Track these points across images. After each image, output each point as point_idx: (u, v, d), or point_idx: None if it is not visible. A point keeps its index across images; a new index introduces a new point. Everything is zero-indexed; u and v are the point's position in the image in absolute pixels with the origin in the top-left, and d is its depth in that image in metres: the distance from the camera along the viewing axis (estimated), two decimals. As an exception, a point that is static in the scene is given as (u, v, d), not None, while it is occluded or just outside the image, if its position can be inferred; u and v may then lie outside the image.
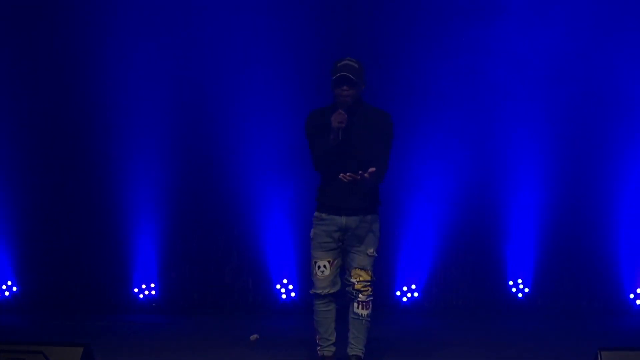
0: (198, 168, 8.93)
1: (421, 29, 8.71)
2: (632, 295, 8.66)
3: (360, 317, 6.09)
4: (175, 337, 7.70)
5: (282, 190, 8.80)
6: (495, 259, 8.82)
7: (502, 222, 8.77)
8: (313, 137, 6.03)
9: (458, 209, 8.77)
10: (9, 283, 9.00)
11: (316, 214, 6.12)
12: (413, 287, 8.81)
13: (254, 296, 8.99)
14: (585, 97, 8.66)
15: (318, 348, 6.23)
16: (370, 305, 6.10)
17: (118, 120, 8.89)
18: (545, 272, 8.79)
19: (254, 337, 7.37)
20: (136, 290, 8.96)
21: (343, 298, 6.20)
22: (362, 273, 6.06)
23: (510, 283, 8.79)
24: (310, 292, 6.20)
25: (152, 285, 8.97)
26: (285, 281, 8.87)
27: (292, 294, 8.85)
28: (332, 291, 6.13)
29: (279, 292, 8.88)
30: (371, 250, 6.06)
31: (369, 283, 6.08)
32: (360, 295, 6.07)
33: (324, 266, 6.08)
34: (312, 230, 6.14)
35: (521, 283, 8.78)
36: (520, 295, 8.78)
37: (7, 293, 8.99)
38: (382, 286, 8.44)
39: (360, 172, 5.76)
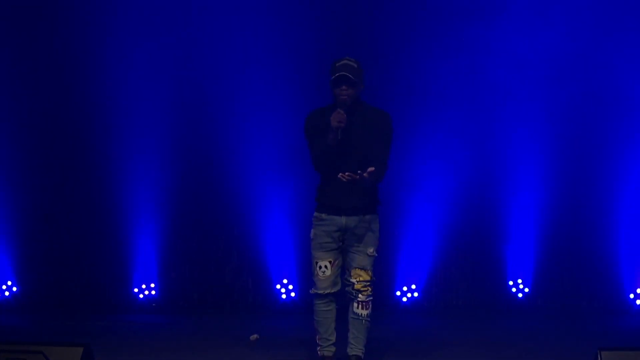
0: (198, 168, 8.94)
1: (421, 29, 8.71)
2: (632, 295, 8.66)
3: (360, 317, 6.09)
4: (175, 337, 7.70)
5: (282, 190, 8.80)
6: (495, 259, 8.82)
7: (502, 222, 8.77)
8: (312, 137, 6.03)
9: (458, 209, 8.77)
10: (9, 283, 9.00)
11: (316, 214, 6.12)
12: (413, 287, 8.81)
13: (254, 296, 8.99)
14: (585, 97, 8.66)
15: (318, 348, 6.23)
16: (370, 305, 6.10)
17: (118, 121, 8.89)
18: (545, 272, 8.79)
19: (254, 337, 7.37)
20: (136, 290, 8.96)
21: (343, 298, 6.20)
22: (362, 273, 6.06)
23: (510, 283, 8.80)
24: (311, 291, 6.20)
25: (152, 285, 8.97)
26: (285, 281, 8.87)
27: (292, 294, 8.86)
28: (332, 291, 6.13)
29: (279, 292, 8.88)
30: (371, 250, 6.06)
31: (368, 283, 6.08)
32: (360, 295, 6.06)
33: (325, 266, 6.08)
34: (312, 230, 6.14)
35: (521, 283, 8.78)
36: (520, 295, 8.79)
37: (7, 293, 8.99)
38: (382, 286, 8.45)
39: (359, 171, 5.76)
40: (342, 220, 6.02)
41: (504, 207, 8.77)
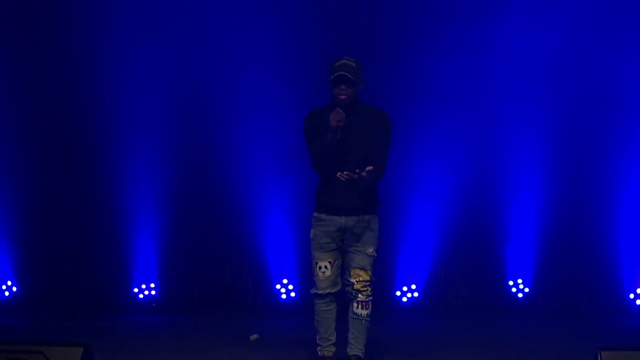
0: (198, 168, 8.94)
1: (421, 29, 8.71)
2: (632, 295, 8.66)
3: (360, 317, 6.09)
4: (175, 337, 7.70)
5: (282, 190, 8.80)
6: (495, 259, 8.82)
7: (502, 222, 8.77)
8: (312, 137, 6.03)
9: (458, 209, 8.77)
10: (9, 283, 9.00)
11: (315, 214, 6.12)
12: (413, 287, 8.81)
13: (254, 296, 8.99)
14: (585, 97, 8.66)
15: (318, 348, 6.23)
16: (370, 305, 6.10)
17: (118, 121, 8.90)
18: (545, 272, 8.79)
19: (254, 337, 7.37)
20: (136, 290, 8.96)
21: (343, 298, 6.20)
22: (362, 273, 6.06)
23: (510, 283, 8.79)
24: (311, 291, 6.20)
25: (152, 285, 8.97)
26: (285, 281, 8.87)
27: (292, 294, 8.86)
28: (333, 291, 6.13)
29: (279, 292, 8.88)
30: (370, 250, 6.06)
31: (368, 283, 6.07)
32: (359, 295, 6.06)
33: (325, 267, 6.08)
34: (311, 230, 6.14)
35: (521, 283, 8.78)
36: (520, 295, 8.78)
37: (7, 293, 8.99)
38: (382, 286, 8.46)
39: (357, 170, 5.76)
40: (342, 220, 6.02)
41: (504, 207, 8.77)
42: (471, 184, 8.76)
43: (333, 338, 6.19)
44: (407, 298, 8.80)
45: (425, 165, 8.73)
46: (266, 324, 8.24)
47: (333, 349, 6.20)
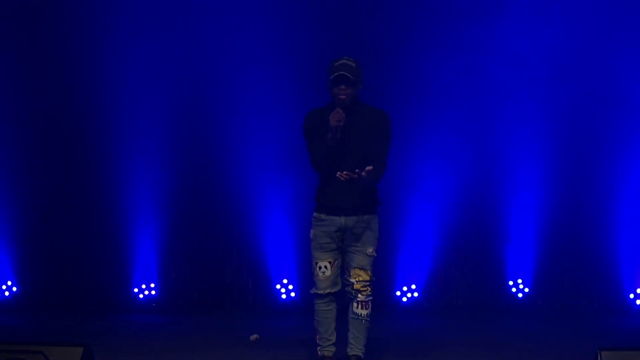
0: (198, 168, 8.94)
1: (421, 29, 8.71)
2: (632, 295, 8.66)
3: (360, 317, 6.09)
4: (175, 337, 7.70)
5: (282, 190, 8.80)
6: (495, 259, 8.82)
7: (502, 222, 8.77)
8: (311, 137, 6.03)
9: (458, 209, 8.77)
10: (9, 283, 9.00)
11: (315, 214, 6.12)
12: (413, 287, 8.81)
13: (254, 296, 8.99)
14: (586, 97, 8.66)
15: (318, 348, 6.23)
16: (370, 305, 6.10)
17: (118, 121, 8.89)
18: (545, 272, 8.79)
19: (254, 337, 7.37)
20: (136, 290, 8.96)
21: (343, 298, 6.20)
22: (361, 273, 6.06)
23: (510, 283, 8.79)
24: (311, 291, 6.20)
25: (152, 285, 8.97)
26: (285, 281, 8.87)
27: (292, 294, 8.86)
28: (332, 291, 6.13)
29: (279, 292, 8.88)
30: (370, 250, 6.05)
31: (368, 283, 6.07)
32: (359, 295, 6.06)
33: (325, 267, 6.08)
34: (311, 230, 6.14)
35: (521, 283, 8.78)
36: (520, 295, 8.78)
37: (7, 293, 8.99)
38: (382, 286, 8.46)
39: (357, 170, 5.76)
40: (342, 220, 6.02)
41: (504, 207, 8.77)
42: (471, 184, 8.76)
43: (333, 338, 6.19)
44: (407, 298, 8.80)
45: (425, 165, 8.73)
46: (266, 324, 8.24)
47: (333, 349, 6.20)
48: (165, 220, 8.94)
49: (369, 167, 5.76)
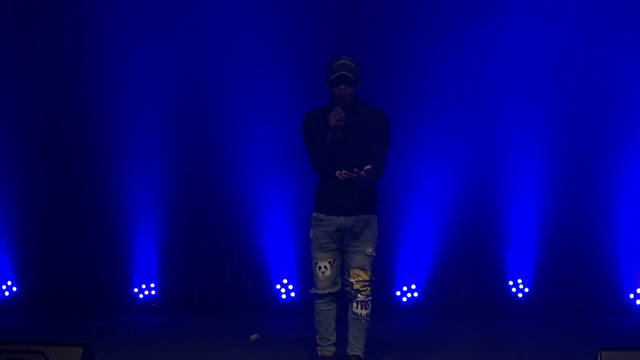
0: (198, 168, 8.94)
1: (421, 29, 8.71)
2: (632, 295, 8.66)
3: (360, 317, 6.09)
4: (175, 337, 7.70)
5: (282, 190, 8.80)
6: (495, 259, 8.82)
7: (502, 222, 8.77)
8: (310, 137, 6.04)
9: (458, 209, 8.77)
10: (9, 283, 9.00)
11: (314, 214, 6.13)
12: (413, 287, 8.81)
13: (254, 296, 8.99)
14: (586, 97, 8.66)
15: (318, 348, 6.23)
16: (370, 305, 6.10)
17: (118, 120, 8.90)
18: (545, 272, 8.78)
19: (254, 337, 7.37)
20: (136, 290, 8.96)
21: (343, 298, 6.20)
22: (361, 273, 6.06)
23: (510, 283, 8.79)
24: (311, 291, 6.20)
25: (152, 285, 8.97)
26: (285, 281, 8.87)
27: (292, 294, 8.86)
28: (332, 291, 6.14)
29: (279, 292, 8.88)
30: (370, 250, 6.06)
31: (367, 283, 6.07)
32: (359, 295, 6.06)
33: (325, 267, 6.08)
34: (311, 231, 6.14)
35: (521, 283, 8.78)
36: (520, 295, 8.78)
37: (7, 293, 8.99)
38: (382, 286, 8.46)
39: (356, 170, 5.76)
40: (341, 220, 6.02)
41: (504, 207, 8.77)
42: (471, 183, 8.76)
43: (333, 338, 6.20)
44: (407, 298, 8.80)
45: (425, 165, 8.73)
46: (266, 324, 8.24)
47: (333, 349, 6.20)
48: (165, 220, 8.94)
49: (368, 167, 5.77)
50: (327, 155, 5.94)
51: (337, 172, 5.78)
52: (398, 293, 8.81)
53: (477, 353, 6.99)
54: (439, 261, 8.83)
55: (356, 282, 6.06)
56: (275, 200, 8.82)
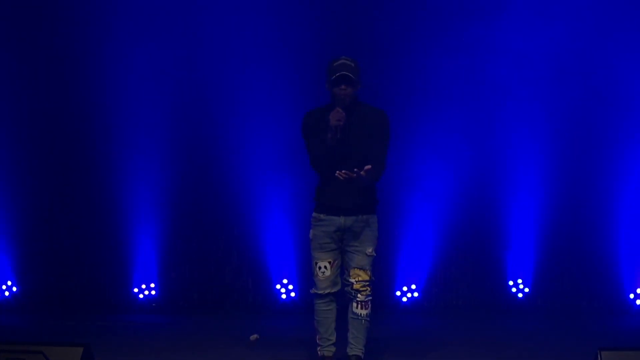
0: (198, 168, 8.94)
1: (421, 28, 8.71)
2: (632, 295, 8.66)
3: (360, 317, 6.09)
4: (175, 337, 7.70)
5: (281, 190, 8.80)
6: (495, 259, 8.82)
7: (502, 222, 8.77)
8: (310, 137, 6.04)
9: (458, 209, 8.77)
10: (9, 283, 9.00)
11: (314, 214, 6.13)
12: (413, 287, 8.81)
13: (254, 296, 8.99)
14: (586, 97, 8.66)
15: (318, 348, 6.23)
16: (370, 305, 6.10)
17: (118, 120, 8.89)
18: (545, 272, 8.78)
19: (254, 337, 7.37)
20: (136, 290, 8.96)
21: (343, 298, 6.20)
22: (361, 273, 6.06)
23: (510, 283, 8.79)
24: (311, 291, 6.20)
25: (152, 285, 8.97)
26: (285, 281, 8.86)
27: (292, 294, 8.85)
28: (332, 291, 6.14)
29: (279, 292, 8.88)
30: (370, 250, 6.06)
31: (367, 283, 6.08)
32: (359, 295, 6.07)
33: (325, 267, 6.08)
34: (311, 231, 6.14)
35: (521, 283, 8.78)
36: (520, 295, 8.78)
37: (7, 293, 8.99)
38: (382, 286, 8.46)
39: (355, 170, 5.76)
40: (341, 220, 6.03)
41: (504, 207, 8.77)
42: (471, 183, 8.76)
43: (333, 338, 6.20)
44: (407, 298, 8.80)
45: (425, 164, 8.73)
46: (266, 324, 8.24)
47: (333, 349, 6.20)
48: (165, 220, 8.94)
49: (368, 167, 5.77)
50: (327, 155, 5.94)
51: (337, 172, 5.78)
52: (398, 293, 8.81)
53: (477, 353, 6.99)
54: (439, 261, 8.82)
55: (356, 282, 6.06)
56: (275, 200, 8.82)
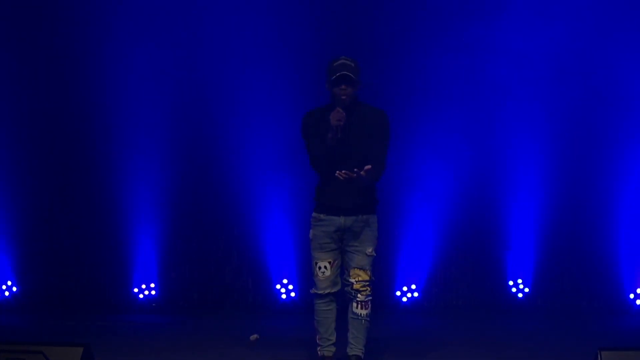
0: (198, 168, 8.94)
1: (421, 28, 8.71)
2: (632, 295, 8.66)
3: (360, 317, 6.09)
4: (175, 337, 7.70)
5: (281, 190, 8.80)
6: (495, 259, 8.82)
7: (502, 222, 8.77)
8: (310, 137, 6.04)
9: (458, 209, 8.77)
10: (9, 283, 9.00)
11: (314, 214, 6.13)
12: (413, 287, 8.81)
13: (254, 296, 8.99)
14: (586, 97, 8.66)
15: (318, 348, 6.23)
16: (370, 305, 6.10)
17: (118, 120, 8.90)
18: (545, 272, 8.78)
19: (254, 337, 7.37)
20: (136, 290, 8.96)
21: (343, 298, 6.20)
22: (361, 273, 6.06)
23: (510, 283, 8.79)
24: (311, 291, 6.20)
25: (152, 285, 8.97)
26: (285, 281, 8.87)
27: (292, 294, 8.85)
28: (332, 291, 6.14)
29: (279, 292, 8.88)
30: (370, 250, 6.06)
31: (367, 283, 6.08)
32: (359, 295, 6.07)
33: (325, 267, 6.08)
34: (311, 231, 6.14)
35: (521, 283, 8.78)
36: (520, 295, 8.78)
37: (7, 293, 8.99)
38: (382, 286, 8.46)
39: (355, 170, 5.76)
40: (341, 220, 6.03)
41: (504, 207, 8.77)
42: (471, 183, 8.76)
43: (333, 338, 6.20)
44: (407, 298, 8.80)
45: (425, 165, 8.73)
46: (266, 324, 8.24)
47: (333, 349, 6.20)
48: (165, 220, 8.94)
49: (368, 167, 5.77)
50: (327, 155, 5.94)
51: (337, 172, 5.78)
52: (398, 293, 8.81)
53: (477, 353, 6.99)
54: (439, 261, 8.83)
55: (356, 282, 6.06)
56: (275, 200, 8.82)
